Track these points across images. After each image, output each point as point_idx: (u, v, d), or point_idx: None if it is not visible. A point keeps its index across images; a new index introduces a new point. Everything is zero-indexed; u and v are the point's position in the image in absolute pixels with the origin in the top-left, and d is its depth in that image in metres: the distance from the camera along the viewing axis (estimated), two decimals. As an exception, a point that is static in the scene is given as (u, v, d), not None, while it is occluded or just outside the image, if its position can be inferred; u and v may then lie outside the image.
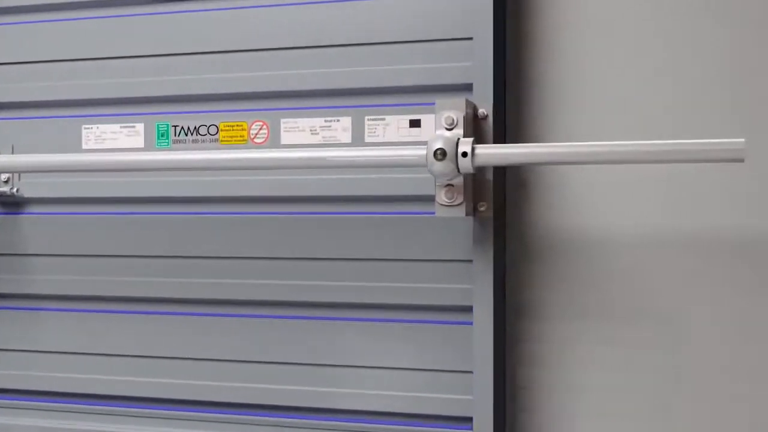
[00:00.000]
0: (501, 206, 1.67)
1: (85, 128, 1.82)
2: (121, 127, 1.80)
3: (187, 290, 1.75)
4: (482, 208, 1.58)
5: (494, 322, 1.59)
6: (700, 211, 1.59)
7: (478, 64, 1.59)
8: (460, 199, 1.52)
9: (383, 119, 1.68)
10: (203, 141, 1.76)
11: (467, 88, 1.60)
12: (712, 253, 1.57)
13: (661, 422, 1.60)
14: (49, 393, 1.84)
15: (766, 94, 1.55)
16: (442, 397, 1.63)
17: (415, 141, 1.62)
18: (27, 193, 1.84)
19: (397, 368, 1.65)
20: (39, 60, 1.83)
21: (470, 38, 1.60)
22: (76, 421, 1.81)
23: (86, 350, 1.82)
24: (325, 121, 1.70)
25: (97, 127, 1.81)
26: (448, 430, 1.63)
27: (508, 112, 1.68)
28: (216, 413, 1.74)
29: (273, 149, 1.69)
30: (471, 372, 1.59)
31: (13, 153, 1.84)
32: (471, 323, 1.59)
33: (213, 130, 1.76)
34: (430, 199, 1.56)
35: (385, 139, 1.67)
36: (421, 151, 1.49)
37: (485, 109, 1.58)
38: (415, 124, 1.65)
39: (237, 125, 1.75)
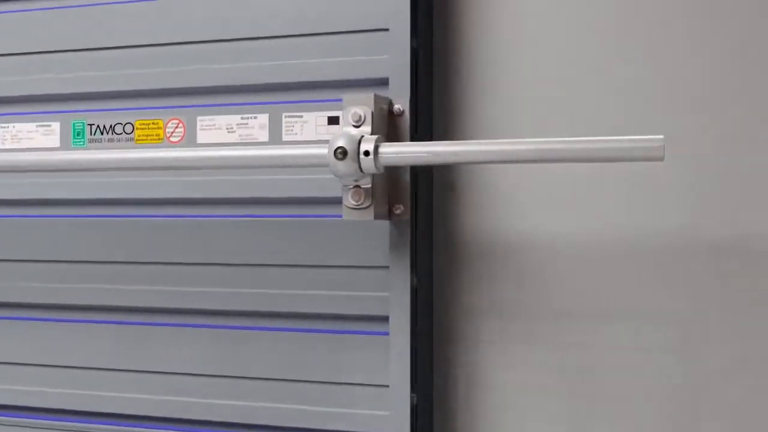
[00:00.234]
0: (427, 209, 1.57)
1: (1, 127, 1.74)
2: (37, 126, 1.72)
3: (85, 296, 1.67)
4: (398, 211, 1.48)
5: (412, 333, 1.48)
6: (626, 213, 1.49)
7: (393, 57, 1.49)
8: (369, 201, 1.41)
9: (301, 116, 1.58)
10: (119, 140, 1.68)
11: (386, 82, 1.50)
12: (637, 255, 1.48)
13: (585, 421, 1.51)
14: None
15: (695, 93, 1.46)
16: (358, 412, 1.53)
17: (332, 140, 1.51)
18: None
19: (309, 381, 1.55)
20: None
21: (386, 29, 1.50)
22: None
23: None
24: (242, 118, 1.61)
25: (14, 126, 1.74)
26: (366, 447, 1.53)
27: (436, 109, 1.58)
28: (117, 426, 1.65)
29: (162, 149, 1.60)
30: (387, 386, 1.49)
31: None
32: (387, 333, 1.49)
33: (129, 128, 1.67)
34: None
35: (303, 138, 1.57)
36: (322, 151, 1.38)
37: (401, 104, 1.47)
38: (333, 121, 1.55)
39: (153, 123, 1.66)
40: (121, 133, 1.67)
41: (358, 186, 1.41)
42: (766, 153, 1.43)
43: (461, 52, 1.58)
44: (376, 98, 1.42)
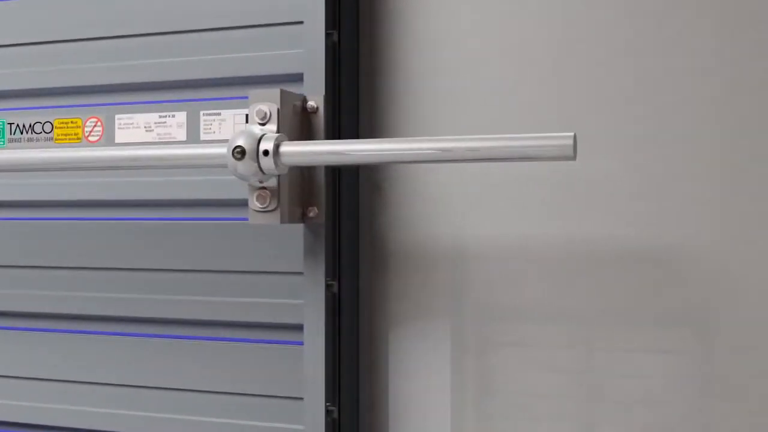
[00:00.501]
0: (352, 211, 1.49)
1: (-77, 127, 1.69)
2: (-42, 125, 1.67)
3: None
4: (311, 214, 1.40)
5: (331, 341, 1.40)
6: (557, 216, 1.41)
7: (307, 51, 1.41)
8: (275, 204, 1.34)
9: (219, 114, 1.51)
10: (38, 140, 1.62)
11: (302, 78, 1.42)
12: (569, 258, 1.40)
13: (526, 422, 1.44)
14: None
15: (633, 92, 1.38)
16: (271, 425, 1.45)
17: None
18: None
19: (220, 392, 1.48)
20: None
21: (301, 22, 1.42)
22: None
23: None
24: (160, 116, 1.54)
25: (-64, 126, 1.68)
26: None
27: (362, 107, 1.50)
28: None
29: (57, 148, 1.53)
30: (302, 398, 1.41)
31: None
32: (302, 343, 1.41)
33: (48, 127, 1.61)
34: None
35: (221, 136, 1.50)
36: (222, 150, 1.31)
37: (315, 101, 1.39)
38: (251, 119, 1.48)
39: (72, 122, 1.60)
40: (41, 132, 1.61)
41: (264, 188, 1.33)
42: (687, 155, 1.35)
43: (389, 48, 1.50)
44: (284, 94, 1.34)
